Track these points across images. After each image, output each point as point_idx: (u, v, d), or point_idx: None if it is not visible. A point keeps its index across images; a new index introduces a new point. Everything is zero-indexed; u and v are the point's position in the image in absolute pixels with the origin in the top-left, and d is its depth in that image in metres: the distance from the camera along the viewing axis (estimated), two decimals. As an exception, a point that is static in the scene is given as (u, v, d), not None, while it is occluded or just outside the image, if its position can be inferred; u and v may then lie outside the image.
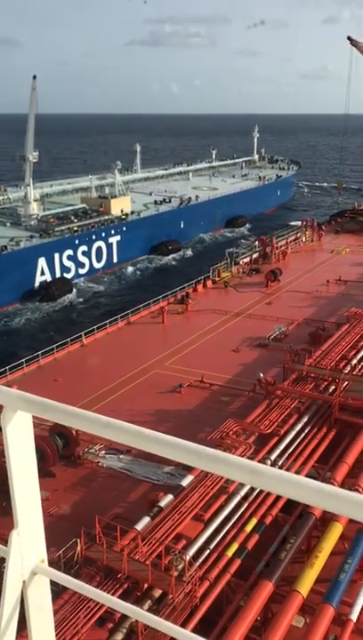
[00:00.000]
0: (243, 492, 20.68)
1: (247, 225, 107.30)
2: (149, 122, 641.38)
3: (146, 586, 17.26)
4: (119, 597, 17.04)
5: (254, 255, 60.32)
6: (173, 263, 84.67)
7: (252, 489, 20.80)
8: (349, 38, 64.90)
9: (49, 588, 2.46)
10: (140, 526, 19.50)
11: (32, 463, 2.32)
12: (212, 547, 18.69)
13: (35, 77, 67.68)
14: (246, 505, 20.33)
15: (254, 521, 19.61)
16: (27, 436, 2.27)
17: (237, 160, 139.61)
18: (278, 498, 20.49)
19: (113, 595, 16.96)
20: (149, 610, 16.57)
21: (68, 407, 2.09)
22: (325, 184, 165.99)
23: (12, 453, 2.24)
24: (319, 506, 1.64)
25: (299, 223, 71.61)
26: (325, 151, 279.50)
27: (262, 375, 29.81)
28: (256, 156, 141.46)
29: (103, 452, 26.35)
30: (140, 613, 2.37)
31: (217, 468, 1.78)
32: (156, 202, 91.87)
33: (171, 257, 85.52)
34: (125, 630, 16.16)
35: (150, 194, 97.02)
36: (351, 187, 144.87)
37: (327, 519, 19.07)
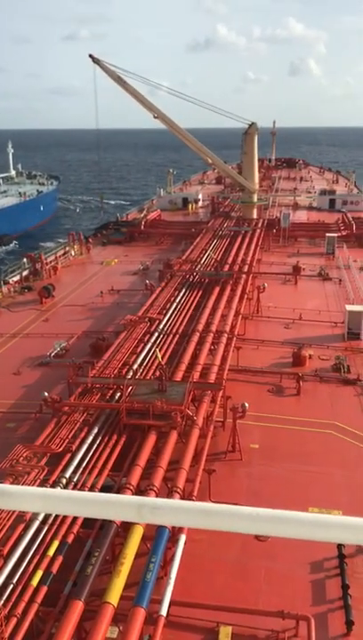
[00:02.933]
0: (41, 517, 20.06)
1: (13, 243, 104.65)
2: None
3: None
4: None
5: (24, 273, 59.03)
6: None
7: (50, 511, 20.24)
8: (90, 56, 66.95)
9: None
10: None
11: None
12: (15, 580, 17.80)
13: None
14: (45, 529, 19.77)
15: (55, 543, 19.16)
16: None
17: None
18: (78, 514, 20.29)
19: None
20: None
21: None
22: (85, 197, 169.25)
23: None
24: (63, 513, 1.66)
25: (65, 238, 71.99)
26: (79, 166, 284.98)
27: (46, 394, 29.24)
28: (13, 172, 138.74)
29: None
30: None
31: None
32: None
33: None
34: None
35: None
36: (111, 200, 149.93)
37: (128, 524, 19.42)
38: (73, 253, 68.03)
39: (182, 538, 19.41)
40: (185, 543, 19.35)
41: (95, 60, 66.98)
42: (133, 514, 1.59)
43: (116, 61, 76.70)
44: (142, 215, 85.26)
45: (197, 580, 19.47)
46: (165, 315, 40.26)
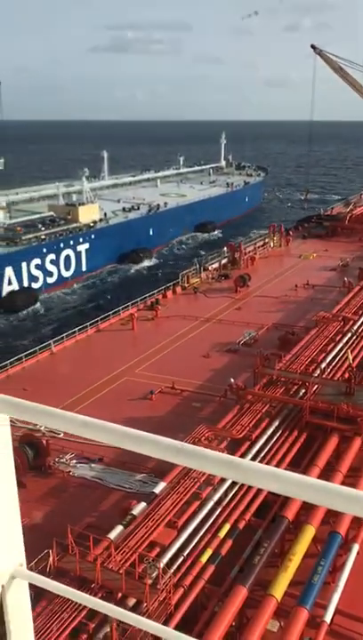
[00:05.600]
0: (216, 498, 20.67)
1: (216, 231, 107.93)
2: (113, 128, 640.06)
3: (120, 595, 17.09)
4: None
5: (223, 261, 60.65)
6: (143, 270, 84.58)
7: (225, 494, 20.80)
8: (312, 46, 65.96)
9: (28, 591, 2.40)
10: (113, 535, 19.32)
11: (9, 465, 2.24)
12: (186, 553, 18.62)
13: None
14: (219, 510, 20.31)
15: (227, 526, 19.61)
16: (3, 437, 2.20)
17: (204, 167, 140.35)
18: (251, 502, 20.53)
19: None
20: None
21: (45, 407, 2.04)
22: (291, 190, 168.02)
23: None
24: (298, 497, 1.63)
25: (267, 229, 72.44)
26: (290, 158, 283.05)
27: (232, 380, 29.90)
28: (223, 163, 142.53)
29: (74, 461, 26.05)
30: (120, 612, 2.30)
31: (195, 463, 1.75)
32: (124, 209, 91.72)
33: (140, 264, 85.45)
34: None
35: (118, 201, 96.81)
36: (317, 193, 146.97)
37: (300, 522, 19.20)
38: (272, 245, 68.19)
39: (355, 547, 18.66)
40: (357, 553, 18.57)
41: (317, 51, 65.83)
42: (359, 508, 1.53)
43: (336, 51, 74.50)
44: (348, 209, 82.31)
45: (366, 594, 18.57)
46: (361, 315, 38.61)
